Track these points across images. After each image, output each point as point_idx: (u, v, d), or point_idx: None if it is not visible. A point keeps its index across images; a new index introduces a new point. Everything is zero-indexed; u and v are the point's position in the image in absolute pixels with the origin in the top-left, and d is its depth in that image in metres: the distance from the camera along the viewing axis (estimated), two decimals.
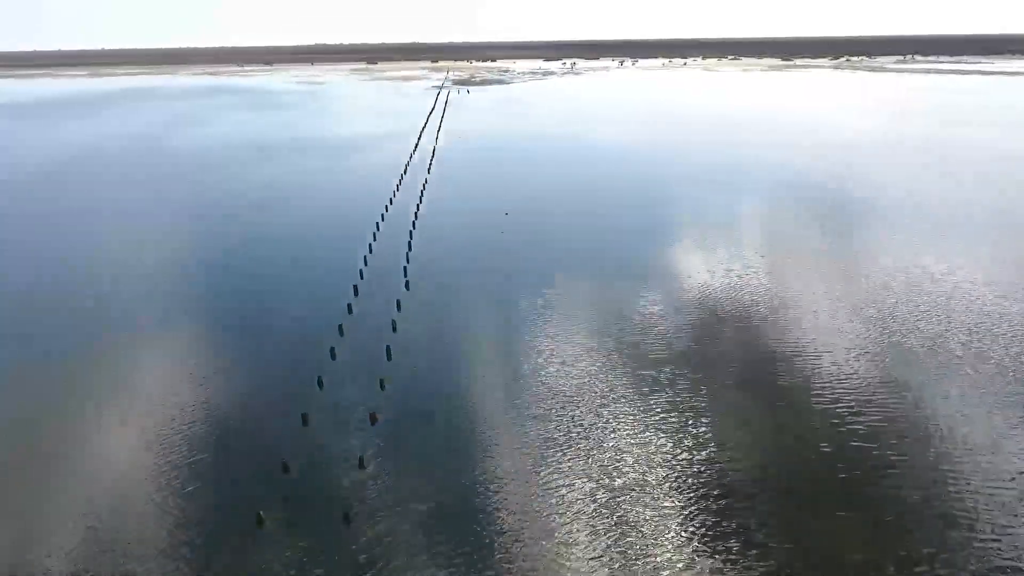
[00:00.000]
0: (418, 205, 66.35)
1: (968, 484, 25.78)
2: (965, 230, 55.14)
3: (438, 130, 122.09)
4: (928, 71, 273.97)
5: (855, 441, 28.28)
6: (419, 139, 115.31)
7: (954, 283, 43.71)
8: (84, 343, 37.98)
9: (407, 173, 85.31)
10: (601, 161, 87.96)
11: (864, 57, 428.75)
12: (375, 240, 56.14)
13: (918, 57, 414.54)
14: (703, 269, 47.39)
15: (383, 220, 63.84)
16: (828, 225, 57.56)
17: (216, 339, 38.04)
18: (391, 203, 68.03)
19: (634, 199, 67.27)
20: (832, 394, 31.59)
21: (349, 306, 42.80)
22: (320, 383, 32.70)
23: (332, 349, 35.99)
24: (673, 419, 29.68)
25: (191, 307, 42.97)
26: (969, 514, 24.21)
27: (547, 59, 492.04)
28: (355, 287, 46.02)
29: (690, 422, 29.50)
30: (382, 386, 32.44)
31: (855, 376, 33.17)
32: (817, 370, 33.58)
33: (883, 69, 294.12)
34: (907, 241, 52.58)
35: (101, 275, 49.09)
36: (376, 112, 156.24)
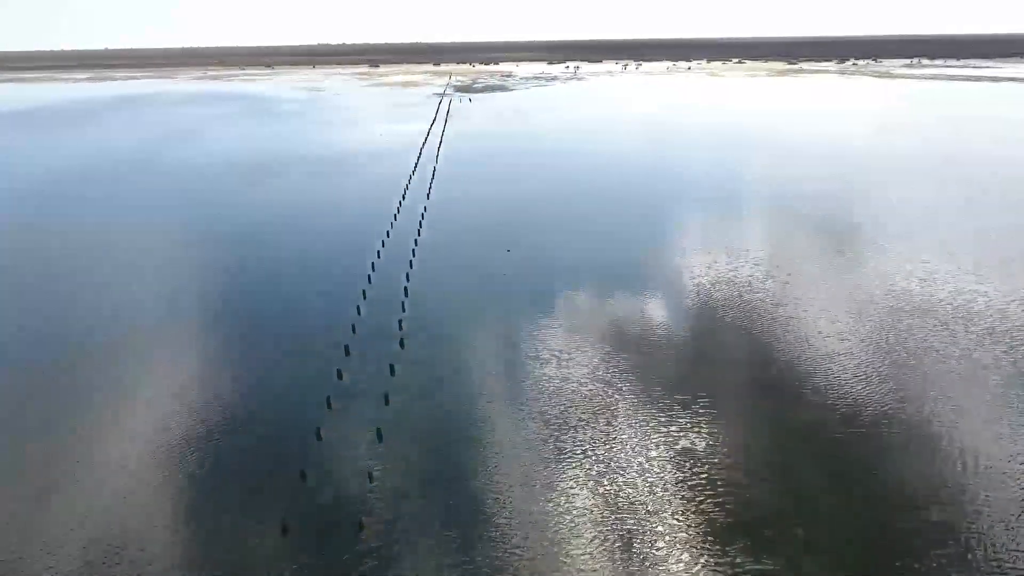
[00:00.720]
0: (416, 239, 63.67)
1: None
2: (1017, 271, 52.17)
3: (438, 148, 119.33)
4: (936, 77, 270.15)
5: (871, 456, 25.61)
6: (419, 157, 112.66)
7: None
8: (84, 393, 35.32)
9: (406, 197, 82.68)
10: (608, 186, 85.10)
11: (870, 61, 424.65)
12: (374, 271, 53.53)
13: (924, 61, 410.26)
14: (738, 314, 44.55)
15: (383, 247, 61.24)
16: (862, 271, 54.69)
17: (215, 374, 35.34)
18: (391, 228, 65.38)
19: (645, 233, 64.40)
20: (860, 423, 28.71)
21: (346, 347, 40.73)
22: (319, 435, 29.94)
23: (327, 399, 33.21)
24: (701, 449, 26.90)
25: (186, 325, 40.31)
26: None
27: (550, 62, 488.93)
28: (352, 326, 44.21)
29: (709, 442, 26.84)
30: (370, 480, 29.63)
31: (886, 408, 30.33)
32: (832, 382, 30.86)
33: (890, 75, 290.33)
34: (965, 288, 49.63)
35: (93, 305, 46.50)
36: (376, 124, 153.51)
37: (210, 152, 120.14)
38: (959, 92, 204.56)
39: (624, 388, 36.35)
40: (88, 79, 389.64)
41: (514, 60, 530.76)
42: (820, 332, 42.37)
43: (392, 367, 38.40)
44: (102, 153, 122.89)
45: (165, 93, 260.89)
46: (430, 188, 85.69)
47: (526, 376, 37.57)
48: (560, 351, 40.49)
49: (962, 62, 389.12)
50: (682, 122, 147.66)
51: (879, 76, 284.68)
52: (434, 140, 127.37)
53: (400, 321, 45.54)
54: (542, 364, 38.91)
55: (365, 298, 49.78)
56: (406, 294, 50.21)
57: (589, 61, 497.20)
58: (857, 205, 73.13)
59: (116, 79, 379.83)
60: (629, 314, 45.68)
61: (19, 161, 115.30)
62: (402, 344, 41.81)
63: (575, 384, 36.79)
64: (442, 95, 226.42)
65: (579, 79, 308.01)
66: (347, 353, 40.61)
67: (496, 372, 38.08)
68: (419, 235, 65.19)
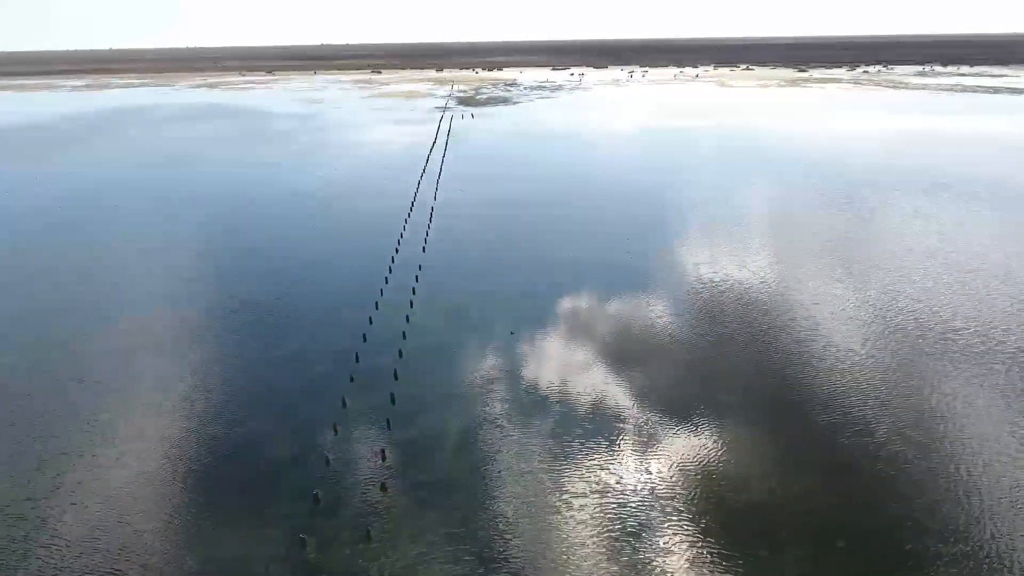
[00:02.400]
0: (415, 287, 56.46)
1: None
2: None
3: (438, 177, 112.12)
4: (954, 88, 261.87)
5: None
6: (418, 187, 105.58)
7: None
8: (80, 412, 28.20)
9: (406, 230, 75.71)
10: (618, 220, 77.70)
11: (881, 68, 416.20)
12: (371, 325, 46.32)
13: (937, 68, 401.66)
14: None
15: (381, 295, 53.98)
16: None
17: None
18: (389, 273, 58.30)
19: (667, 286, 56.96)
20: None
21: (343, 399, 37.89)
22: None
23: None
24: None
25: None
26: None
27: (555, 68, 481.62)
28: (351, 376, 41.51)
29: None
30: None
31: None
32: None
33: (906, 86, 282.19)
34: None
35: (83, 350, 39.31)
36: (374, 146, 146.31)
37: (196, 184, 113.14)
38: (984, 107, 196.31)
39: (638, 408, 36.59)
40: (85, 86, 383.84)
41: (518, 65, 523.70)
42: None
43: (383, 452, 31.08)
44: (74, 191, 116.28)
45: (159, 106, 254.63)
46: (429, 227, 78.43)
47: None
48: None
49: (976, 69, 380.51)
50: (706, 153, 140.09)
51: (895, 87, 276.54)
52: (433, 170, 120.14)
53: (392, 395, 38.57)
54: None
55: (358, 360, 42.55)
56: (400, 354, 42.92)
57: (594, 67, 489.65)
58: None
59: (113, 87, 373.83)
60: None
61: None
62: (389, 425, 34.48)
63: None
64: (444, 109, 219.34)
65: (585, 88, 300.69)
66: (328, 464, 33.30)
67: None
68: (412, 307, 57.88)
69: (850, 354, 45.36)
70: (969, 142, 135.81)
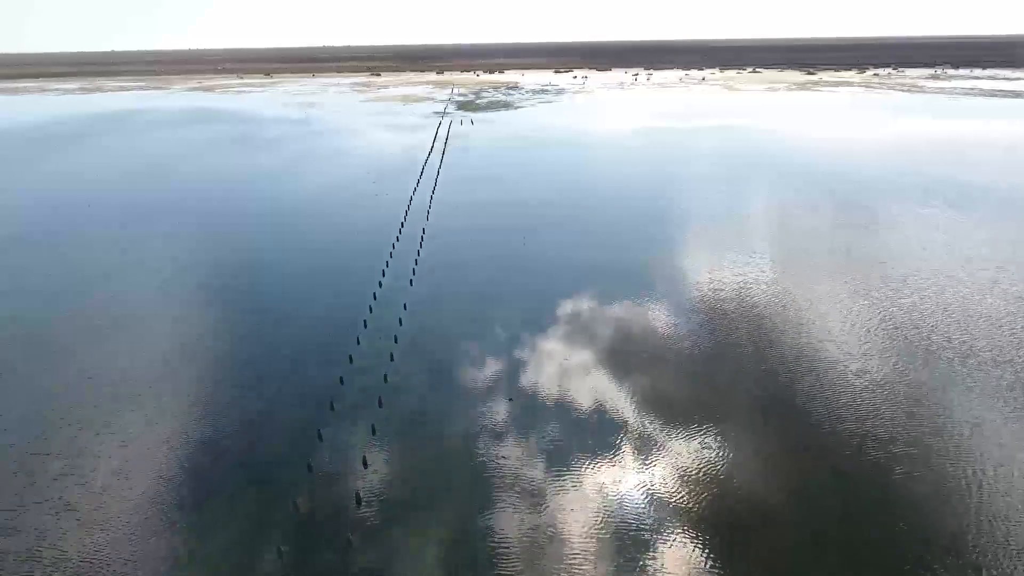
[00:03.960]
0: (401, 316, 47.82)
1: None
2: None
3: (432, 193, 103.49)
4: (972, 92, 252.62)
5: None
6: (410, 204, 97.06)
7: None
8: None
9: (395, 250, 66.83)
10: (630, 246, 68.94)
11: (891, 70, 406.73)
12: (352, 362, 37.70)
13: (949, 70, 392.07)
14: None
15: (364, 328, 45.45)
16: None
17: None
18: (375, 301, 49.70)
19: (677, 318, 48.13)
20: None
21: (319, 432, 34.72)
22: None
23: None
24: None
25: None
26: None
27: (557, 70, 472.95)
28: (331, 403, 39.37)
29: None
30: None
31: None
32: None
33: (921, 89, 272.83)
34: None
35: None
36: (368, 156, 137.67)
37: (176, 199, 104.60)
38: (1006, 112, 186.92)
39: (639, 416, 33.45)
40: (79, 89, 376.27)
41: (520, 67, 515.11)
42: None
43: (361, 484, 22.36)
44: (40, 205, 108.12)
45: (149, 111, 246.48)
46: (420, 249, 69.67)
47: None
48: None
49: (989, 72, 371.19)
50: (718, 162, 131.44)
51: (909, 90, 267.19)
52: (427, 184, 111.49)
53: (373, 426, 29.98)
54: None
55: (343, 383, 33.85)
56: (385, 379, 34.20)
57: (597, 69, 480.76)
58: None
59: (106, 90, 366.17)
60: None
61: None
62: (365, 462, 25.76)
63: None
64: (442, 114, 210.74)
65: (588, 92, 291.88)
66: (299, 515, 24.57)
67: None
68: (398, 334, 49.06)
69: (872, 366, 44.76)
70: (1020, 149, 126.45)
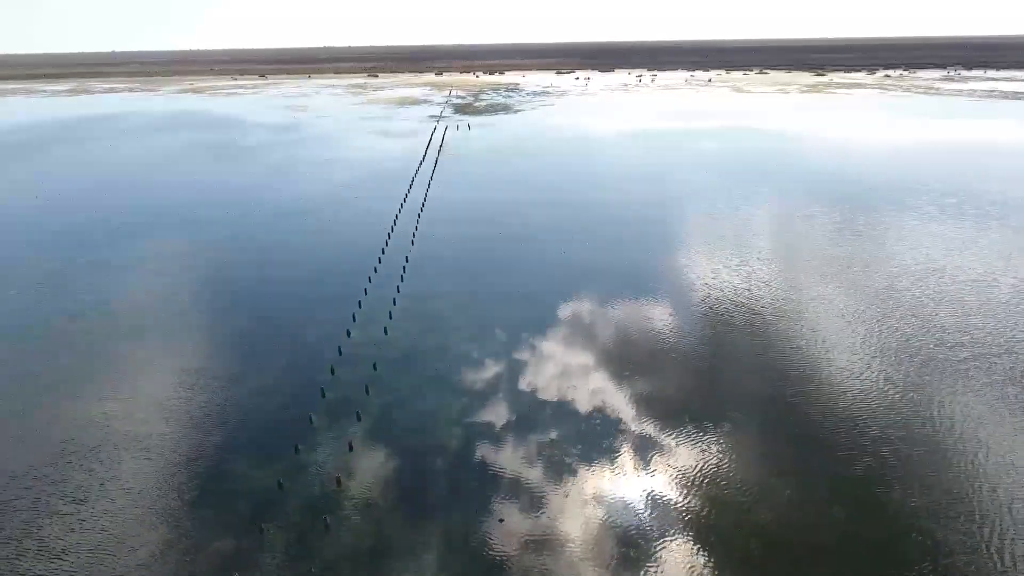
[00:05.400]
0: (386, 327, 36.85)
1: None
2: None
3: (422, 205, 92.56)
4: (992, 94, 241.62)
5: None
6: (397, 217, 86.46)
7: None
8: None
9: (380, 267, 55.48)
10: (633, 267, 57.88)
11: (902, 72, 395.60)
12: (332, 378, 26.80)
13: (963, 72, 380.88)
14: None
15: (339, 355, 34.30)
16: None
17: None
18: (354, 322, 38.59)
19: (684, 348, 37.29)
20: None
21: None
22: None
23: None
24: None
25: None
26: None
27: (559, 71, 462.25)
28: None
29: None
30: None
31: None
32: None
33: (937, 91, 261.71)
34: None
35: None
36: (355, 163, 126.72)
37: (140, 215, 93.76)
38: None
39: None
40: (67, 91, 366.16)
41: (521, 68, 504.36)
42: None
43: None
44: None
45: (132, 114, 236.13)
46: (405, 267, 58.52)
47: None
48: None
49: (1004, 73, 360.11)
50: (720, 171, 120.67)
51: (927, 92, 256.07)
52: (413, 206, 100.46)
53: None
54: None
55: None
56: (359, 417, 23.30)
57: (600, 71, 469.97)
58: None
59: (94, 92, 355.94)
60: None
61: None
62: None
63: None
64: (438, 118, 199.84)
65: (591, 94, 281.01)
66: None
67: None
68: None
69: (880, 374, 42.87)
70: None
